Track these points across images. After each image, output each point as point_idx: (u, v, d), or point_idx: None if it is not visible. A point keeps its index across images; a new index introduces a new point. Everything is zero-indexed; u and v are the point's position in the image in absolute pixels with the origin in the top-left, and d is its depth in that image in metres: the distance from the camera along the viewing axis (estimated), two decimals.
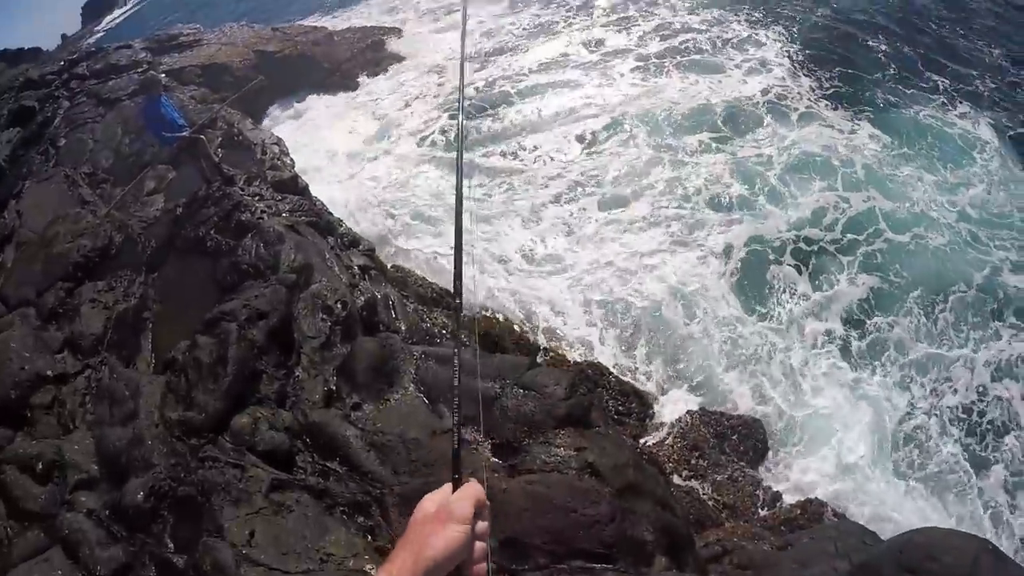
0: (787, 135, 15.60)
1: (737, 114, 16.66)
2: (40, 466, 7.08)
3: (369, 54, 23.59)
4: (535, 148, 16.50)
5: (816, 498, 8.93)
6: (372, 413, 6.35)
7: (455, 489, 1.38)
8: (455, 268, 1.65)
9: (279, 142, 14.91)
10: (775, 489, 9.19)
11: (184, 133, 10.93)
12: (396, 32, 25.68)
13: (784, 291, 11.81)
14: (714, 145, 15.56)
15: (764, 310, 11.55)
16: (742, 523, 8.59)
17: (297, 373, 7.19)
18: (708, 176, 14.37)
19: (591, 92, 18.62)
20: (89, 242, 10.63)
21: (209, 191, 11.37)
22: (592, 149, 16.15)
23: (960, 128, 15.97)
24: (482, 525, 1.35)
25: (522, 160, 16.18)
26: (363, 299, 8.71)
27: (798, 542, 7.30)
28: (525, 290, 11.80)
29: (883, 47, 20.33)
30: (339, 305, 8.21)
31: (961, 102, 17.22)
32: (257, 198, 11.22)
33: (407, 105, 20.10)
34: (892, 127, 15.87)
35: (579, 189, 14.70)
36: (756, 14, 23.09)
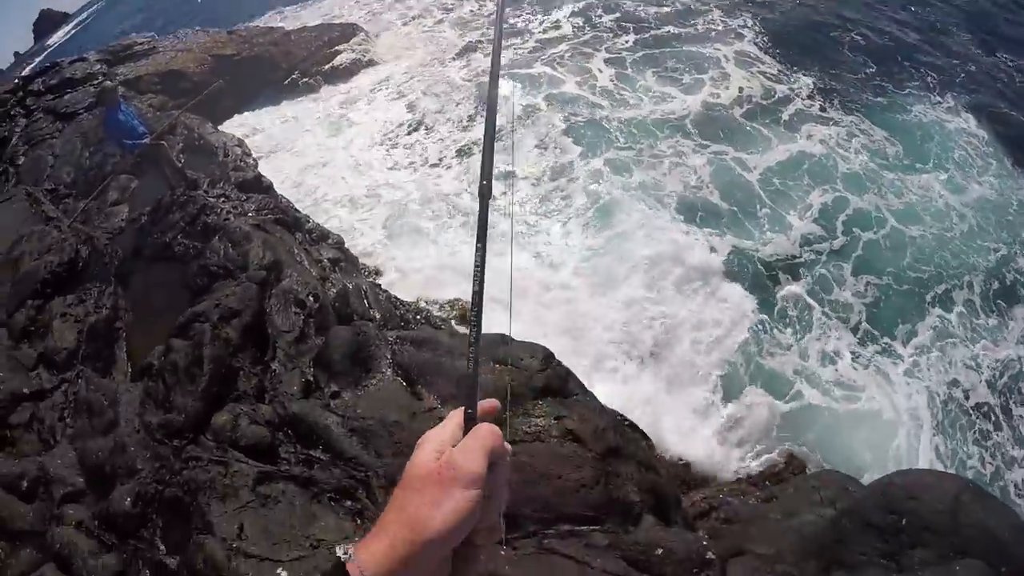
0: (783, 136, 15.57)
1: (726, 116, 16.48)
2: (25, 484, 7.03)
3: (326, 51, 23.33)
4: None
5: (796, 451, 9.13)
6: (351, 400, 6.40)
7: (467, 428, 1.09)
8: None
9: (241, 143, 14.80)
10: (758, 445, 9.37)
11: (145, 140, 10.84)
12: (353, 29, 25.36)
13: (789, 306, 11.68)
14: (711, 150, 15.24)
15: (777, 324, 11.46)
16: (727, 480, 8.76)
17: (274, 367, 7.20)
18: (697, 182, 14.11)
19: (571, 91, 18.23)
20: (55, 258, 10.49)
21: (174, 197, 11.29)
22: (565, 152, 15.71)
23: (948, 122, 16.38)
24: (498, 480, 1.05)
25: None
26: (335, 291, 8.74)
27: (783, 493, 7.44)
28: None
29: (861, 37, 20.66)
30: (311, 298, 8.22)
31: (945, 94, 17.58)
32: (222, 199, 11.18)
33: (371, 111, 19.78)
34: (883, 123, 16.06)
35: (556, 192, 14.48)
36: (726, 3, 23.11)
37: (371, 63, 22.82)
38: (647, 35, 21.24)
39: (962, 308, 11.66)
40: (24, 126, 17.75)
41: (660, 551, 5.36)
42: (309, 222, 11.31)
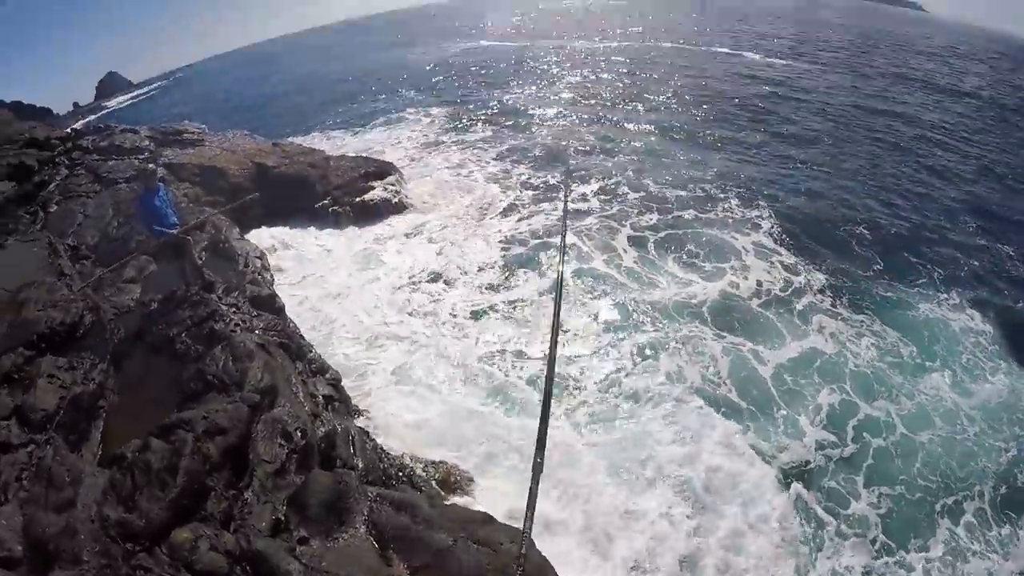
0: (795, 330, 16.22)
1: (743, 305, 17.26)
2: None
3: (360, 184, 24.49)
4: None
5: None
6: (319, 549, 6.44)
7: None
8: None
9: (262, 256, 15.39)
10: None
11: (173, 231, 11.27)
12: (390, 168, 26.71)
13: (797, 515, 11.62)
14: (728, 340, 15.81)
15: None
16: None
17: (247, 496, 7.26)
18: (715, 375, 14.50)
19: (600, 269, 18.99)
20: (59, 315, 10.67)
21: (187, 293, 11.67)
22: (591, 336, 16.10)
23: (954, 320, 17.17)
24: None
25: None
26: (323, 430, 8.90)
27: None
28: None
29: (868, 230, 22.11)
30: (299, 433, 8.38)
31: (950, 289, 18.65)
32: (233, 310, 11.54)
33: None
34: (892, 321, 16.73)
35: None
36: (744, 192, 24.96)
37: (401, 205, 23.86)
38: (669, 216, 22.62)
39: (972, 518, 11.70)
40: (64, 176, 18.45)
41: None
42: (311, 351, 11.63)
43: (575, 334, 15.67)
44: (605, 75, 53.65)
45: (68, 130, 23.69)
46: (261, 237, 19.83)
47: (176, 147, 23.57)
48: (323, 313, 16.23)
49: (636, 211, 23.09)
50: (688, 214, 22.85)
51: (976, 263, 20.78)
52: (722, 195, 24.84)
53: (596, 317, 16.42)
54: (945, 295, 18.39)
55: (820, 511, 11.47)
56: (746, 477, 11.71)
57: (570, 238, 20.70)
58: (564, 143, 32.57)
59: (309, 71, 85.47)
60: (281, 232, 20.96)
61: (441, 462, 10.70)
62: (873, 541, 11.13)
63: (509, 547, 6.49)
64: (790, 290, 17.96)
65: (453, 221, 22.88)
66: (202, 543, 6.49)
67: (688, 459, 11.88)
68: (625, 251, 20.09)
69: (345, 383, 12.20)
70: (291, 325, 12.20)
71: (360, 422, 10.83)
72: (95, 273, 12.79)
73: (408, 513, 6.85)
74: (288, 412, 8.72)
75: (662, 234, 21.15)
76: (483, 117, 39.25)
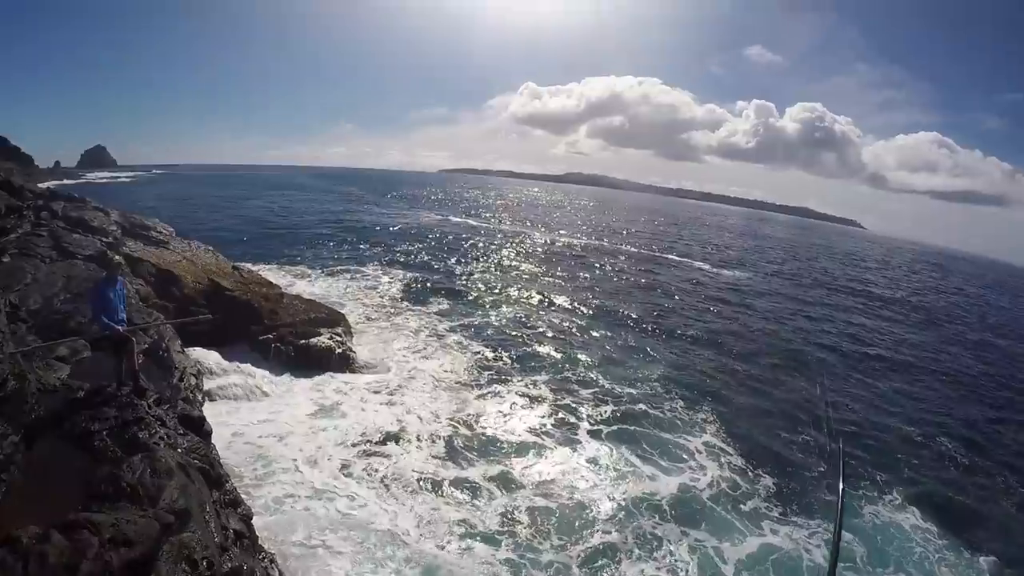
0: (751, 530, 16.48)
1: (700, 500, 17.60)
2: None
3: (308, 328, 24.44)
4: None
5: None
6: None
7: None
8: None
9: (199, 375, 15.06)
10: None
11: (119, 328, 11.10)
12: (340, 318, 26.76)
13: None
14: (692, 537, 15.92)
15: None
16: None
17: None
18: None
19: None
20: None
21: (118, 392, 11.26)
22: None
23: (902, 520, 17.85)
24: None
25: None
26: (230, 566, 8.45)
27: None
28: None
29: (808, 433, 22.96)
30: (204, 563, 7.94)
31: (891, 490, 19.40)
32: (160, 423, 11.13)
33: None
34: (845, 525, 16.84)
35: None
36: (688, 394, 25.93)
37: (345, 358, 23.65)
38: (620, 410, 23.15)
39: None
40: (26, 232, 18.08)
41: None
42: (228, 482, 11.18)
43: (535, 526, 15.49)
44: (560, 265, 57.75)
45: (44, 187, 23.57)
46: (199, 356, 19.37)
47: (140, 241, 23.59)
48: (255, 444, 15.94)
49: (591, 404, 23.62)
50: (638, 408, 23.57)
51: (914, 461, 22.05)
52: (668, 395, 25.77)
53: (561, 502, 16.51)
54: (888, 495, 19.13)
55: None
56: None
57: (524, 422, 21.12)
58: (516, 325, 33.84)
59: (284, 206, 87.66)
60: (218, 359, 20.48)
61: None
62: None
63: None
64: (739, 491, 18.38)
65: (399, 384, 22.91)
66: None
67: None
68: (585, 444, 20.39)
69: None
70: (214, 452, 11.77)
71: (263, 564, 10.27)
72: (29, 341, 12.32)
73: None
74: (197, 539, 8.27)
75: (616, 427, 21.66)
76: (443, 289, 40.47)
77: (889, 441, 23.95)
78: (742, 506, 17.74)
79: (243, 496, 11.92)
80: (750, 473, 19.75)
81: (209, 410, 14.97)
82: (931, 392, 31.43)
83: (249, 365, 20.79)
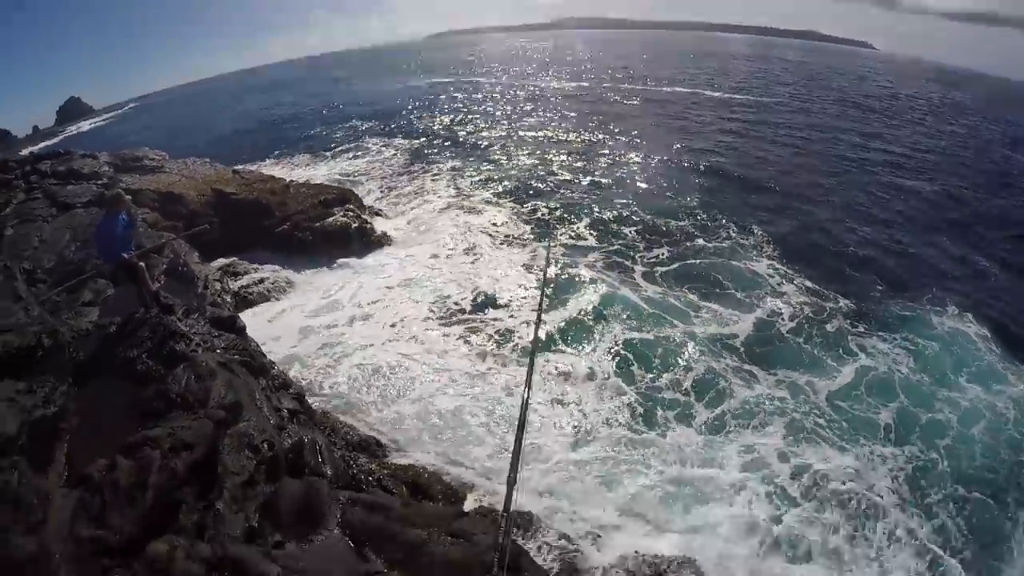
0: (834, 356, 16.71)
1: (777, 335, 17.56)
2: None
3: (320, 209, 24.42)
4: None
5: None
6: (295, 551, 6.50)
7: None
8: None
9: (222, 279, 15.36)
10: None
11: (125, 256, 11.15)
12: (348, 195, 26.66)
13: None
14: (775, 376, 15.90)
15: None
16: None
17: (218, 507, 7.27)
18: (773, 412, 14.56)
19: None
20: (16, 340, 10.47)
21: (146, 316, 11.58)
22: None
23: (966, 329, 18.25)
24: None
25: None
26: (290, 442, 8.95)
27: None
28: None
29: (859, 252, 23.20)
30: (266, 445, 8.41)
31: (949, 303, 19.59)
32: (194, 331, 11.50)
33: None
34: (920, 335, 17.61)
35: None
36: (736, 220, 25.56)
37: (364, 232, 23.73)
38: (676, 248, 22.94)
39: None
40: (22, 201, 18.13)
41: None
42: (274, 368, 11.65)
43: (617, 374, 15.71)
44: (565, 112, 54.60)
45: (26, 152, 23.35)
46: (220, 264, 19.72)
47: (136, 173, 23.44)
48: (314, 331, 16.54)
49: (642, 244, 23.33)
50: (695, 244, 23.19)
51: (959, 274, 22.08)
52: (716, 224, 25.34)
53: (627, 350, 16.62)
54: (947, 307, 19.32)
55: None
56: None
57: (587, 272, 20.77)
58: (537, 175, 32.87)
59: (270, 104, 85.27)
60: (245, 265, 20.80)
61: (410, 465, 10.82)
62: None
63: (483, 537, 6.63)
64: (818, 317, 18.41)
65: (426, 252, 22.92)
66: (178, 553, 6.47)
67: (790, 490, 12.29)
68: (642, 286, 20.16)
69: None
70: (252, 344, 12.19)
71: (326, 435, 10.88)
72: (52, 297, 12.64)
73: (381, 513, 6.95)
74: (254, 426, 8.75)
75: (673, 267, 21.41)
76: (452, 149, 39.44)
77: (936, 254, 23.57)
78: (825, 331, 17.74)
79: (320, 378, 12.51)
80: (823, 295, 19.63)
81: (248, 314, 15.37)
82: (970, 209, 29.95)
83: (272, 264, 21.15)
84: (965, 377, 16.09)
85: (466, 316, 18.09)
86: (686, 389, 15.10)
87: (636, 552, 10.32)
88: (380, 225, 25.12)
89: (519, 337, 16.83)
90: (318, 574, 6.25)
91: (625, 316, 18.04)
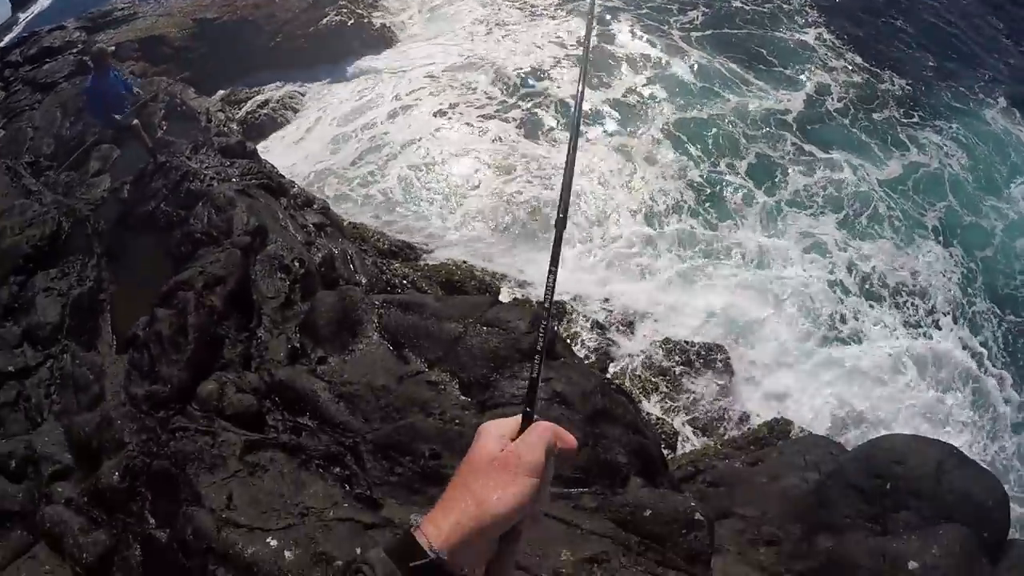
0: (886, 142, 15.80)
1: (826, 113, 16.59)
2: (13, 464, 6.93)
3: (312, 12, 22.56)
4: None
5: (782, 417, 9.18)
6: (338, 365, 6.26)
7: (524, 426, 1.17)
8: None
9: (223, 108, 14.53)
10: (743, 409, 9.45)
11: (117, 117, 10.53)
12: None
13: None
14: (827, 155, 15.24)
15: None
16: (713, 443, 8.79)
17: (259, 334, 7.07)
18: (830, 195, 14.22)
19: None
20: (37, 231, 10.24)
21: (157, 164, 11.08)
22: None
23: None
24: (549, 474, 1.14)
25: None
26: (320, 256, 8.62)
27: (768, 457, 7.63)
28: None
29: (909, 26, 20.69)
30: (296, 263, 8.06)
31: (997, 94, 17.94)
32: (205, 165, 10.97)
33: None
34: (970, 130, 16.39)
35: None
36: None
37: (363, 26, 21.93)
38: (714, 12, 20.78)
39: None
40: (3, 99, 17.37)
41: (648, 512, 5.26)
42: (294, 187, 11.10)
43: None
44: None
45: None
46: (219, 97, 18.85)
47: (109, 29, 21.88)
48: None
49: (675, 7, 20.85)
50: (731, 5, 20.81)
51: (1011, 63, 19.69)
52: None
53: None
54: (997, 100, 17.68)
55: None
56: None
57: (623, 48, 19.06)
58: None
59: None
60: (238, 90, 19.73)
61: (443, 263, 10.48)
62: None
63: (519, 323, 6.22)
64: (874, 98, 17.16)
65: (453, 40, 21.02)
66: (228, 389, 6.36)
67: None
68: (685, 52, 18.51)
69: None
70: (267, 166, 11.59)
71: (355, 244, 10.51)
72: (61, 179, 12.25)
73: (416, 312, 6.55)
74: (282, 246, 8.38)
75: (717, 33, 19.45)
76: None
77: (982, 40, 20.31)
78: (875, 118, 16.42)
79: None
80: (875, 74, 17.83)
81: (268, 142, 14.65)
82: None
83: (275, 83, 19.97)
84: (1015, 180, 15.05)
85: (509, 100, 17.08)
86: (744, 174, 14.53)
87: (667, 338, 9.97)
88: (383, 19, 23.08)
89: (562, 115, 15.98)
90: (362, 384, 5.98)
91: (676, 91, 17.01)
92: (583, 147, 14.63)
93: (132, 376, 6.98)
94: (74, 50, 19.47)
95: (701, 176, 14.30)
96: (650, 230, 12.78)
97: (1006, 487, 6.29)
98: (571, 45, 19.18)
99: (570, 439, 1.19)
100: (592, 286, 11.20)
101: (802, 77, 17.77)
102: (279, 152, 14.81)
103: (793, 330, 11.10)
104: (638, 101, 16.67)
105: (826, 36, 19.55)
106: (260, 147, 15.11)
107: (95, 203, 11.21)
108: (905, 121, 16.47)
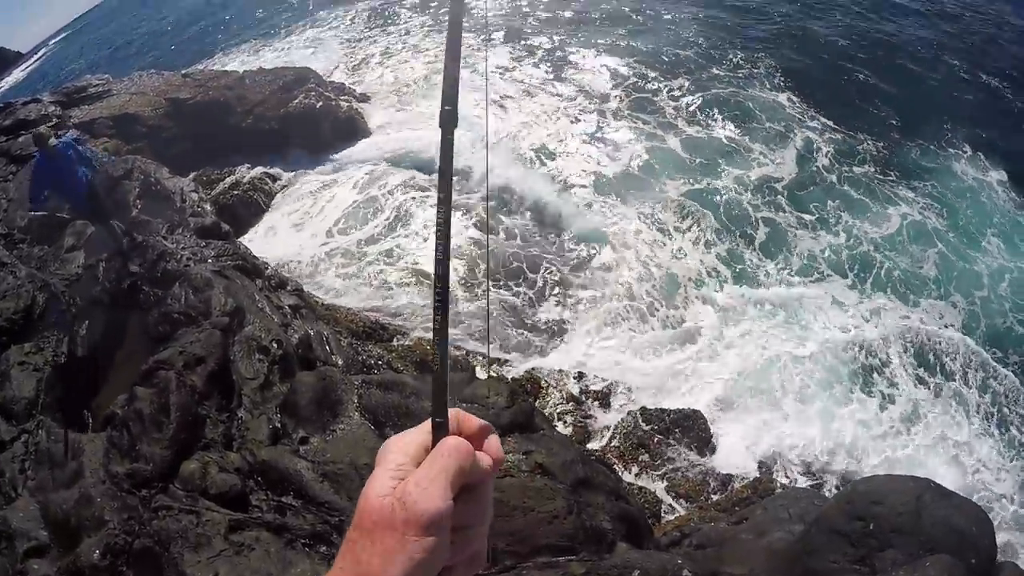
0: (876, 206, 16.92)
1: (816, 175, 17.84)
2: None
3: (281, 95, 23.22)
4: None
5: (763, 476, 9.55)
6: (320, 444, 6.55)
7: (435, 440, 0.92)
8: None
9: (197, 189, 14.88)
10: (723, 473, 9.81)
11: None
12: (306, 72, 25.27)
13: None
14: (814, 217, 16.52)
15: None
16: (697, 508, 9.11)
17: (240, 414, 7.31)
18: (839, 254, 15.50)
19: None
20: (11, 304, 10.34)
21: (132, 243, 11.33)
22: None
23: (984, 178, 18.19)
24: (476, 505, 0.93)
25: None
26: (297, 337, 8.91)
27: (752, 515, 7.84)
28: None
29: (869, 83, 22.24)
30: (274, 344, 8.36)
31: (962, 145, 19.29)
32: (181, 246, 11.27)
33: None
34: (943, 184, 17.70)
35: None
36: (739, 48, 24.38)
37: (331, 109, 22.73)
38: (695, 77, 22.39)
39: None
40: None
41: (637, 573, 5.55)
42: (268, 268, 11.45)
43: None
44: None
45: None
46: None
47: (84, 104, 22.26)
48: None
49: (661, 78, 22.54)
50: (711, 72, 22.56)
51: (966, 108, 21.17)
52: (720, 52, 24.28)
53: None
54: (963, 149, 19.09)
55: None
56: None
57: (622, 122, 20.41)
58: (517, 21, 30.55)
59: None
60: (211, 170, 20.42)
61: (417, 341, 10.85)
62: None
63: (496, 399, 6.60)
64: (852, 159, 18.54)
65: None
66: (211, 468, 6.58)
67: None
68: (677, 123, 20.04)
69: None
70: (242, 248, 11.96)
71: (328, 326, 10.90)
72: (35, 253, 12.38)
73: (396, 390, 6.93)
74: (260, 327, 8.68)
75: (700, 97, 21.04)
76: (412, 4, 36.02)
77: (945, 91, 22.11)
78: (857, 178, 17.86)
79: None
80: (847, 134, 19.47)
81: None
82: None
83: (246, 164, 20.73)
84: (991, 226, 16.47)
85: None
86: (756, 245, 15.86)
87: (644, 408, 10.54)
88: (355, 104, 23.99)
89: None
90: (345, 463, 6.28)
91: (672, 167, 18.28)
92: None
93: (111, 454, 7.12)
94: (50, 123, 19.75)
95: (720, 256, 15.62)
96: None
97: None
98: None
99: (494, 449, 0.98)
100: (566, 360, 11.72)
101: (789, 139, 19.20)
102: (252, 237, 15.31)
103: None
104: (643, 179, 17.97)
105: (794, 98, 21.18)
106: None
107: (70, 278, 11.37)
108: (881, 178, 17.87)
